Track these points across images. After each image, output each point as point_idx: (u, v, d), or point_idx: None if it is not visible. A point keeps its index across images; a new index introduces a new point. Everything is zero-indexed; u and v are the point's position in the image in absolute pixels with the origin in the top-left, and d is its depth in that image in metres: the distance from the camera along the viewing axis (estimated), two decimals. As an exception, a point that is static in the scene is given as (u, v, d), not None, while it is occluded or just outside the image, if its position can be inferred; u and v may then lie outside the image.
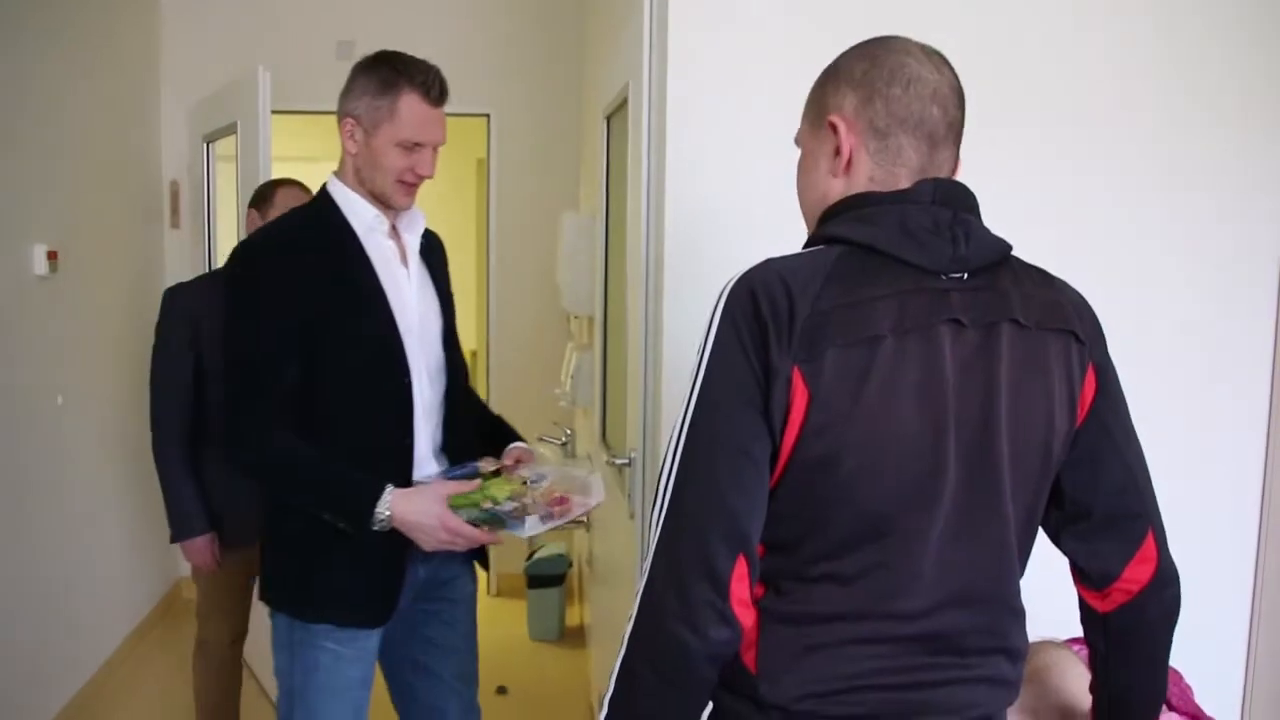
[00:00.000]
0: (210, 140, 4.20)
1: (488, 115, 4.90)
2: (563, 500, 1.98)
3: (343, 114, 2.00)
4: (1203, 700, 1.63)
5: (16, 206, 3.34)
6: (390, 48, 2.06)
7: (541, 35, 4.80)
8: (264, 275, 1.96)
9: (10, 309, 3.30)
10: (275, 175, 3.14)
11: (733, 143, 2.38)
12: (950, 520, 1.19)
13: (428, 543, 1.89)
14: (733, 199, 2.40)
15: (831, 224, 1.24)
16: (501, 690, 3.94)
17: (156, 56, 4.72)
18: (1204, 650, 1.89)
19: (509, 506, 1.91)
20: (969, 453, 1.19)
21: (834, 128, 1.26)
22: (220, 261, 4.07)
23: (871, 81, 1.24)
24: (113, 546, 4.12)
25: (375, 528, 1.87)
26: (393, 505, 1.87)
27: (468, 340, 3.15)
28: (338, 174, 2.05)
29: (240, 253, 2.07)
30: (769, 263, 1.20)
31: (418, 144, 1.97)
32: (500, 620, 4.58)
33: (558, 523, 1.98)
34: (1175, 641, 1.38)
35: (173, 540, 2.85)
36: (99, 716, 3.69)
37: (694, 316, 2.41)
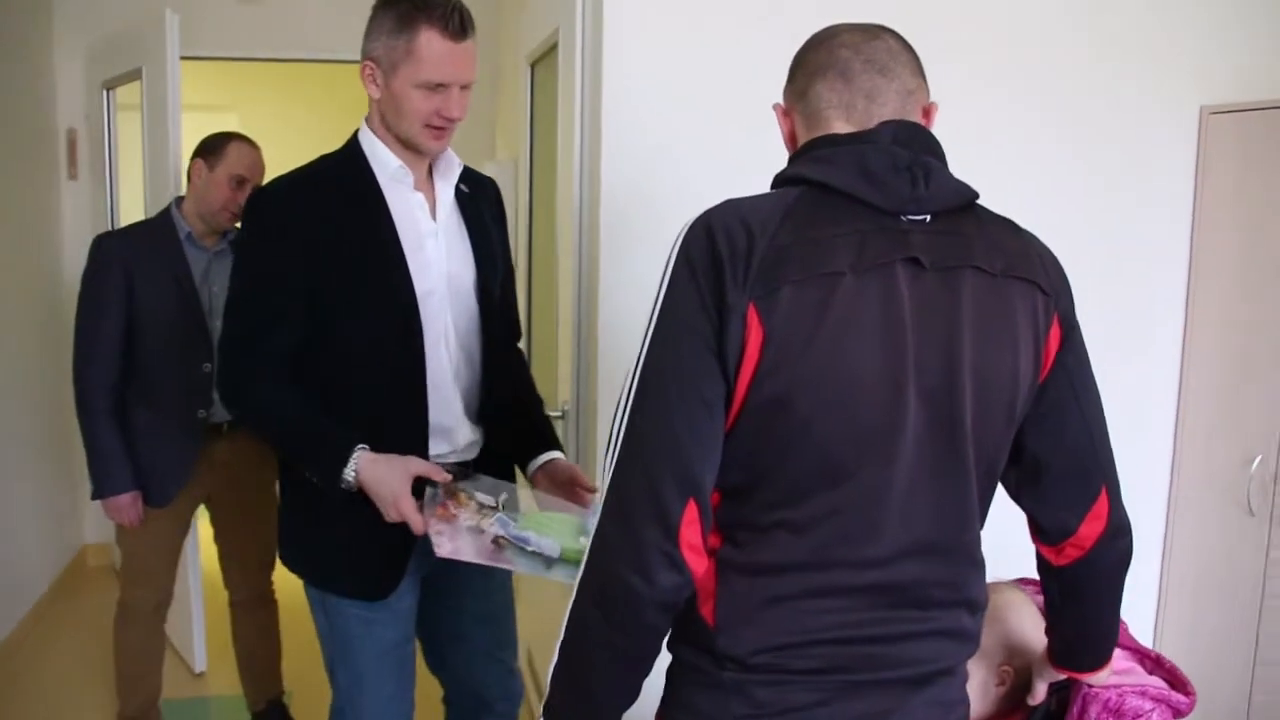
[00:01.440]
0: (110, 87, 4.01)
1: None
2: None
3: (363, 56, 1.87)
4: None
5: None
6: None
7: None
8: (276, 222, 1.87)
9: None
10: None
11: (670, 87, 2.36)
12: (911, 469, 1.18)
13: (384, 513, 1.81)
14: (671, 144, 2.38)
15: (792, 165, 1.25)
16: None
17: (47, -8, 4.48)
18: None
19: (554, 550, 1.76)
20: (931, 400, 1.17)
21: (777, 115, 1.33)
22: (125, 215, 3.93)
23: (795, 60, 1.31)
24: (13, 512, 3.96)
25: (343, 487, 1.80)
26: (360, 468, 1.79)
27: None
28: (366, 121, 1.94)
29: (257, 197, 1.98)
30: (729, 202, 1.19)
31: (441, 84, 1.83)
32: None
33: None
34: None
35: (94, 497, 2.75)
36: (7, 687, 3.56)
37: (631, 265, 2.45)
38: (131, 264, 2.69)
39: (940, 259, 1.17)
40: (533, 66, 3.15)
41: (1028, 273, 1.22)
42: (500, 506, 1.83)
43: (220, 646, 3.44)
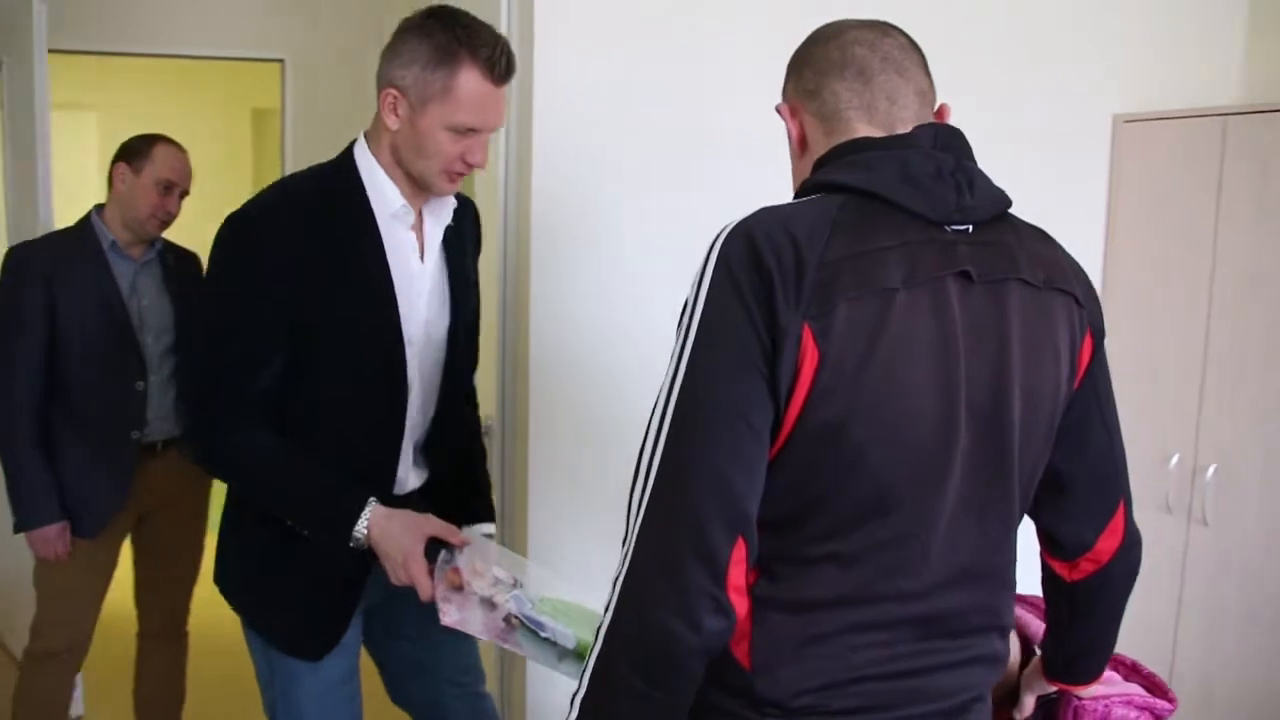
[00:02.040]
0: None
1: (282, 60, 4.55)
2: None
3: (385, 80, 1.66)
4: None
5: None
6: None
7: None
8: (264, 247, 1.65)
9: None
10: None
11: (603, 90, 2.29)
12: (958, 493, 1.12)
13: (390, 574, 1.67)
14: (605, 148, 2.31)
15: (826, 170, 1.15)
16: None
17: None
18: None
19: (570, 640, 1.63)
20: (979, 419, 1.12)
21: (781, 115, 1.26)
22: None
23: (799, 57, 1.25)
24: None
25: (351, 545, 1.65)
26: (371, 524, 1.64)
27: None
28: (368, 141, 1.73)
29: (238, 220, 1.69)
30: (767, 211, 1.10)
31: (473, 129, 1.66)
32: None
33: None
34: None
35: (17, 530, 2.51)
36: None
37: (564, 274, 2.36)
38: (52, 276, 2.47)
39: (987, 271, 1.12)
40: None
41: (1065, 284, 1.19)
42: (516, 584, 1.68)
43: (101, 685, 3.18)
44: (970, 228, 1.13)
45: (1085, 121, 2.68)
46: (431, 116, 1.64)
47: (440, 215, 1.80)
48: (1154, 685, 1.60)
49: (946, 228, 1.11)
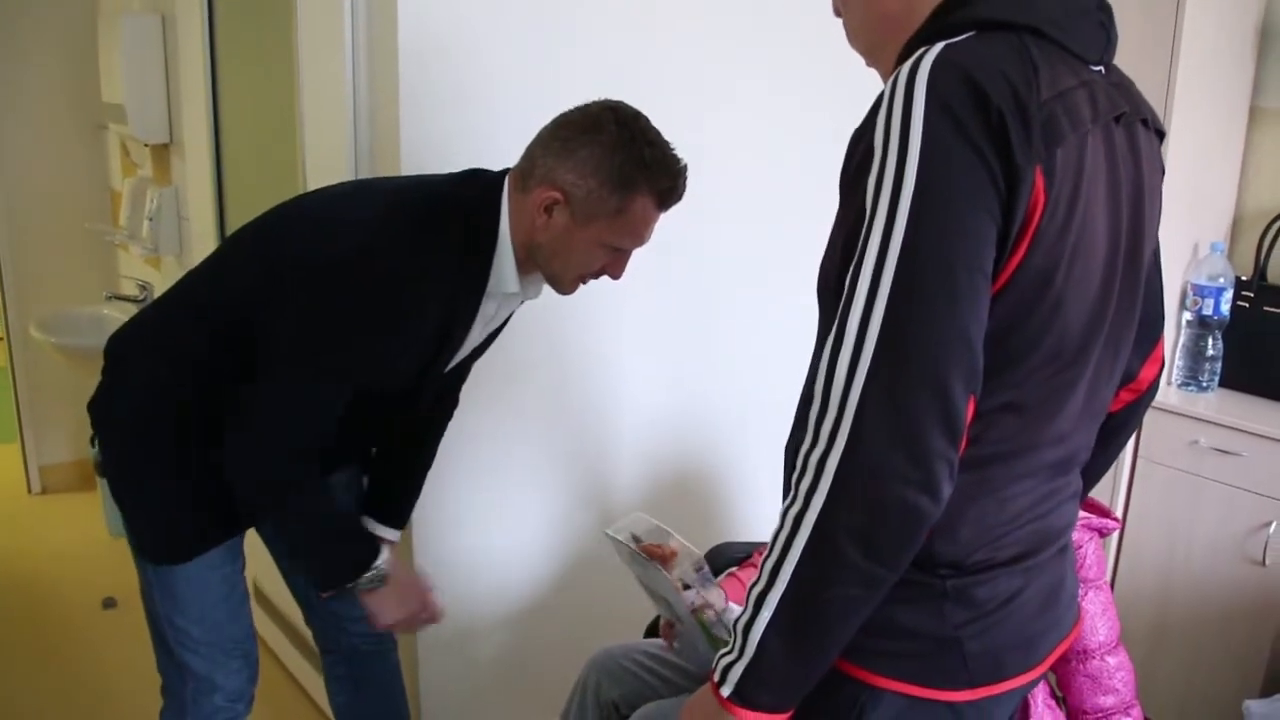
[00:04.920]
0: None
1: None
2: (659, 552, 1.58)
3: (548, 178, 1.54)
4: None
5: None
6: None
7: None
8: (393, 302, 1.53)
9: None
10: None
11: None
12: (1109, 333, 1.13)
13: (394, 611, 1.73)
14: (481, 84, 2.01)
15: (979, 5, 1.03)
16: (109, 603, 3.24)
17: None
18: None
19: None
20: (1126, 261, 1.12)
21: None
22: None
23: None
24: None
25: (369, 574, 1.68)
26: (387, 560, 1.70)
27: None
28: (511, 214, 1.60)
29: (388, 268, 1.53)
30: (958, 49, 0.97)
31: (622, 248, 1.61)
32: (65, 521, 3.76)
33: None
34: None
35: None
36: None
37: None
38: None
39: (1130, 113, 1.10)
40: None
41: (1159, 124, 1.20)
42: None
43: None
44: (1103, 69, 1.10)
45: None
46: (595, 232, 1.57)
47: (530, 293, 1.73)
48: (1095, 508, 1.69)
49: (1091, 68, 1.08)
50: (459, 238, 1.59)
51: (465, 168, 1.67)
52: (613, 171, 1.52)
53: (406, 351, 1.61)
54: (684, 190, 1.60)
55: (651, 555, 1.53)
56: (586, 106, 1.57)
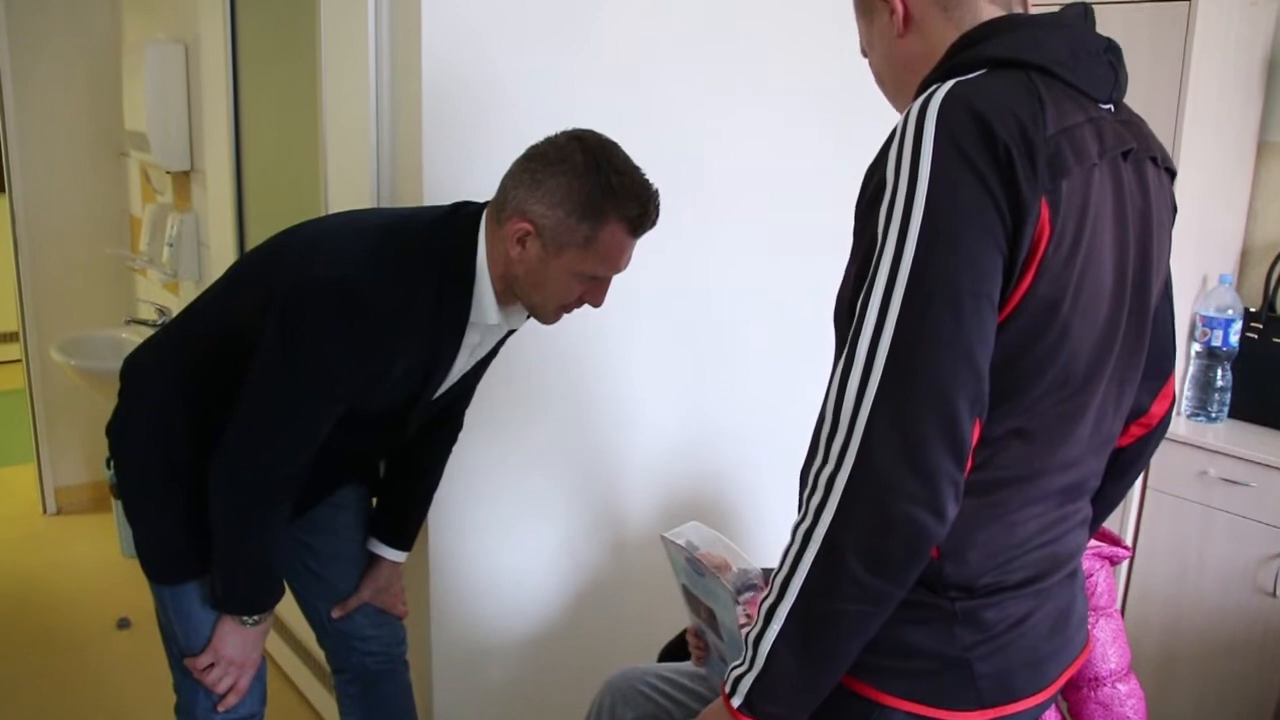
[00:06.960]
0: None
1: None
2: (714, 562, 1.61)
3: (518, 210, 1.56)
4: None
5: None
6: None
7: None
8: (371, 333, 1.56)
9: None
10: None
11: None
12: (1116, 363, 1.16)
13: (230, 650, 1.73)
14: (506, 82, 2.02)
15: (989, 45, 1.08)
16: (124, 623, 3.25)
17: None
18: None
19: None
20: (1134, 294, 1.15)
21: None
22: None
23: None
24: None
25: (256, 612, 1.72)
26: (271, 618, 1.75)
27: None
28: (488, 246, 1.62)
29: (359, 306, 1.55)
30: (970, 86, 1.02)
31: (601, 277, 1.61)
32: (80, 541, 3.76)
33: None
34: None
35: None
36: None
37: (467, 162, 1.98)
38: None
39: (1139, 150, 1.14)
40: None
41: (1170, 162, 1.22)
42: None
43: None
44: (1112, 108, 1.14)
45: None
46: (566, 261, 1.57)
47: (514, 322, 1.75)
48: (1107, 537, 1.72)
49: (1101, 105, 1.12)
50: (438, 271, 1.61)
51: (488, 196, 1.70)
52: (580, 200, 1.53)
53: (383, 380, 1.62)
54: (656, 216, 1.60)
55: (708, 565, 1.55)
56: (554, 137, 1.58)
